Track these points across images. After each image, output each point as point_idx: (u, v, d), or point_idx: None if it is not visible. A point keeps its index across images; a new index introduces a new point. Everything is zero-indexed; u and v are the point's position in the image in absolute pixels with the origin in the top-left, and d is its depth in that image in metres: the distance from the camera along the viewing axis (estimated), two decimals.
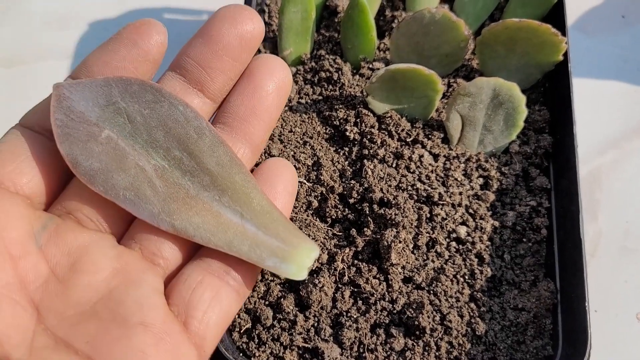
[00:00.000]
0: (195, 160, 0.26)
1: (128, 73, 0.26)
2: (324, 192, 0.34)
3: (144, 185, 0.25)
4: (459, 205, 0.33)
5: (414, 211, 0.32)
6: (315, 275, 0.31)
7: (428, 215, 0.33)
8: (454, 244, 0.32)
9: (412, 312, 0.30)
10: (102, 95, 0.26)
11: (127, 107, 0.26)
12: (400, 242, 0.31)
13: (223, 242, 0.26)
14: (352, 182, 0.34)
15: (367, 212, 0.33)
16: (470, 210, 0.33)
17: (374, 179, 0.33)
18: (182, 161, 0.26)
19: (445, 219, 0.33)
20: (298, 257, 0.26)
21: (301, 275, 0.26)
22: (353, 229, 0.33)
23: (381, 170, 0.34)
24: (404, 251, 0.31)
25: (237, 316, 0.31)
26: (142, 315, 0.23)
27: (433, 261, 0.32)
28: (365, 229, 0.32)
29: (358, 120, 0.35)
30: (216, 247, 0.26)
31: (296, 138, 0.35)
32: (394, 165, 0.34)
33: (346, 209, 0.33)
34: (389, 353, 0.30)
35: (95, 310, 0.23)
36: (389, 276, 0.31)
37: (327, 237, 0.33)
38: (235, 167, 0.26)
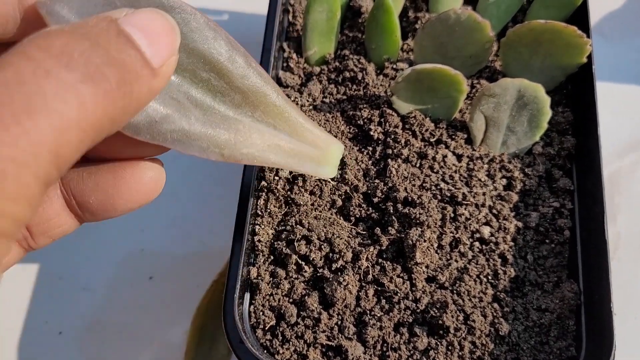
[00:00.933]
0: (224, 80, 0.25)
1: None
2: (348, 191, 0.34)
3: (188, 121, 0.24)
4: (483, 205, 0.33)
5: (438, 211, 0.32)
6: (339, 273, 0.32)
7: (452, 215, 0.33)
8: (477, 244, 0.33)
9: (436, 311, 0.30)
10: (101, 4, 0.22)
11: None
12: (425, 241, 0.31)
13: (265, 156, 0.26)
14: (377, 181, 0.34)
15: (392, 211, 0.33)
16: (494, 211, 0.33)
17: (398, 178, 0.34)
18: (210, 82, 0.25)
19: (469, 219, 0.33)
20: (330, 158, 0.29)
21: (333, 173, 0.30)
22: (377, 228, 0.33)
23: (405, 170, 0.34)
24: (429, 250, 0.32)
25: (261, 313, 0.31)
26: None
27: (457, 261, 0.32)
28: (389, 228, 0.32)
29: (382, 119, 0.35)
30: (260, 164, 0.27)
31: None
32: (417, 165, 0.34)
33: (370, 208, 0.34)
34: (412, 352, 0.30)
35: None
36: (412, 275, 0.31)
37: (351, 236, 0.33)
38: (260, 78, 0.26)
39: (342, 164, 0.34)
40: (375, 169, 0.35)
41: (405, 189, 0.33)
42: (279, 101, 0.27)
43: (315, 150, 0.28)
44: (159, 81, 0.19)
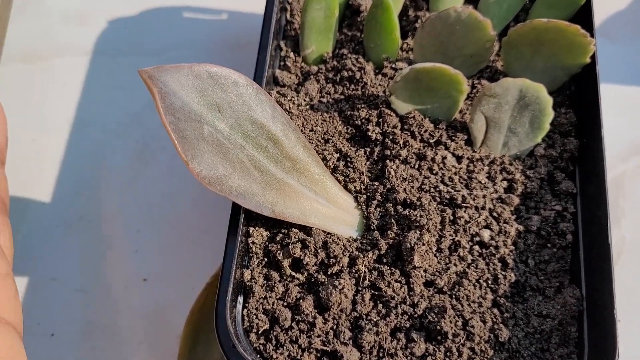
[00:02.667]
0: (279, 148, 0.30)
1: None
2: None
3: (249, 179, 0.29)
4: (483, 208, 0.32)
5: (437, 213, 0.32)
6: (335, 277, 0.31)
7: (451, 217, 0.32)
8: (477, 247, 0.32)
9: (434, 316, 0.30)
10: (193, 87, 0.28)
11: (216, 97, 0.28)
12: (423, 244, 0.30)
13: (307, 218, 0.31)
14: (375, 183, 0.33)
15: (392, 212, 0.32)
16: (494, 214, 0.33)
17: (397, 179, 0.33)
18: (267, 149, 0.30)
19: (469, 222, 0.32)
20: (359, 221, 0.33)
21: (359, 233, 0.32)
22: (376, 232, 0.32)
23: (404, 171, 0.33)
24: (427, 254, 0.31)
25: (254, 316, 0.30)
26: None
27: (456, 265, 0.31)
28: (388, 231, 0.32)
29: (380, 120, 0.35)
30: (303, 223, 0.31)
31: (317, 137, 0.35)
32: (416, 166, 0.34)
33: (369, 208, 0.33)
34: (409, 358, 0.29)
35: None
36: (410, 279, 0.31)
37: (349, 240, 0.32)
38: (307, 151, 0.31)
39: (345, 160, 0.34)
40: (373, 170, 0.34)
41: (404, 190, 0.32)
42: (320, 171, 0.32)
43: (348, 215, 0.32)
44: None
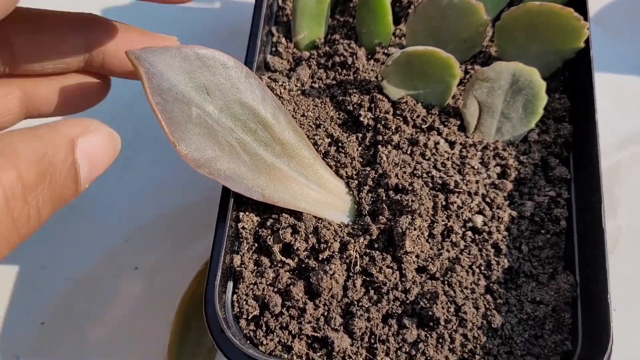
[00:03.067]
0: (269, 131, 0.30)
1: None
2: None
3: (238, 163, 0.29)
4: (476, 193, 0.32)
5: (430, 199, 0.31)
6: (326, 262, 0.30)
7: (444, 203, 0.32)
8: (469, 233, 0.31)
9: (426, 302, 0.29)
10: (181, 68, 0.27)
11: (204, 79, 0.28)
12: (415, 229, 0.30)
13: (298, 202, 0.30)
14: (367, 168, 0.33)
15: (384, 197, 0.32)
16: (487, 199, 0.32)
17: (388, 164, 0.32)
18: (257, 132, 0.29)
19: (461, 207, 0.32)
20: (350, 207, 0.32)
21: (351, 219, 0.32)
22: (367, 217, 0.32)
23: (396, 157, 0.33)
24: (419, 239, 0.30)
25: (244, 302, 0.30)
26: None
27: (448, 251, 0.31)
28: (379, 217, 0.31)
29: (372, 105, 0.34)
30: (294, 208, 0.30)
31: (309, 122, 0.35)
32: (408, 151, 0.33)
33: (360, 194, 0.32)
34: (401, 344, 0.29)
35: None
36: (402, 265, 0.30)
37: (340, 225, 0.32)
38: (298, 135, 0.31)
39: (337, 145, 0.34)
40: (365, 155, 0.34)
41: (397, 175, 0.32)
42: (311, 155, 0.31)
43: (339, 200, 0.32)
44: (77, 194, 0.22)
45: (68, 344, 0.38)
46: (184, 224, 0.41)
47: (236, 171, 0.29)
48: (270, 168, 0.30)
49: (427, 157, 0.33)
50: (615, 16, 0.48)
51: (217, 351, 0.36)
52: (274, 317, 0.30)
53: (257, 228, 0.32)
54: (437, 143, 0.33)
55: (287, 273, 0.31)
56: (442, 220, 0.31)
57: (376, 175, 0.32)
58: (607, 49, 0.47)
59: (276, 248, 0.31)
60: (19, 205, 0.19)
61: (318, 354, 0.29)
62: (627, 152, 0.43)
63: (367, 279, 0.30)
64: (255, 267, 0.31)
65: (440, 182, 0.32)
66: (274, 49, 0.39)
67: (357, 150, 0.34)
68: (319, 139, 0.33)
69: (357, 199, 0.32)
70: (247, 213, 0.32)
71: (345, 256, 0.30)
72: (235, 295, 0.30)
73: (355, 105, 0.35)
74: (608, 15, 0.48)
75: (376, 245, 0.31)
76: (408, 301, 0.30)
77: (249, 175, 0.29)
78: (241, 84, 0.29)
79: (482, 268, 0.31)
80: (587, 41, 0.33)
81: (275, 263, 0.31)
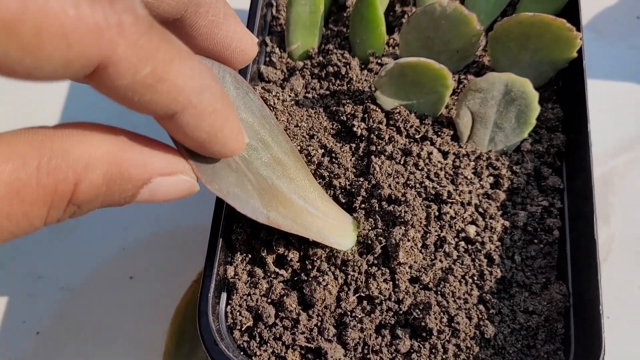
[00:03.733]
0: (269, 151, 0.28)
1: None
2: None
3: (245, 180, 0.27)
4: (469, 204, 0.32)
5: (422, 209, 0.31)
6: (319, 273, 0.30)
7: (437, 213, 0.32)
8: (462, 243, 0.31)
9: (419, 313, 0.29)
10: None
11: None
12: (408, 240, 0.30)
13: (300, 227, 0.29)
14: (360, 179, 0.33)
15: (376, 208, 0.32)
16: (480, 210, 0.32)
17: (382, 175, 0.33)
18: (258, 151, 0.28)
19: (454, 217, 0.32)
20: (350, 233, 0.31)
21: (352, 245, 0.31)
22: (365, 244, 0.32)
23: (389, 167, 0.33)
24: (412, 250, 0.30)
25: (238, 313, 0.30)
26: None
27: (441, 261, 0.31)
28: (374, 229, 0.31)
29: (366, 115, 0.35)
30: (296, 233, 0.29)
31: (302, 133, 0.35)
32: (402, 162, 0.33)
33: (353, 205, 0.33)
34: (394, 355, 0.29)
35: None
36: (395, 276, 0.30)
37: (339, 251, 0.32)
38: (295, 156, 0.30)
39: (330, 156, 0.34)
40: (358, 166, 0.34)
41: (389, 185, 0.32)
42: (309, 179, 0.30)
43: (340, 225, 0.31)
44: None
45: (64, 353, 0.38)
46: (180, 233, 0.41)
47: (244, 189, 0.27)
48: (273, 190, 0.28)
49: (420, 168, 0.33)
50: (610, 22, 0.48)
51: None
52: (267, 328, 0.30)
53: (251, 239, 0.32)
54: (430, 153, 0.33)
55: (281, 284, 0.31)
56: (435, 231, 0.31)
57: (369, 186, 0.32)
58: (601, 55, 0.47)
59: (270, 259, 0.31)
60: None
61: None
62: (621, 159, 0.43)
63: (361, 290, 0.30)
64: (249, 278, 0.31)
65: (434, 192, 0.32)
66: (267, 59, 0.39)
67: (351, 160, 0.34)
68: (313, 150, 0.34)
69: (357, 223, 0.32)
70: (240, 224, 0.32)
71: (341, 271, 0.31)
72: (229, 306, 0.31)
73: (348, 116, 0.35)
74: (603, 21, 0.48)
75: (372, 260, 0.31)
76: (401, 312, 0.30)
77: (255, 196, 0.27)
78: (241, 100, 0.28)
79: (475, 278, 0.31)
80: (580, 51, 0.34)
81: (268, 274, 0.31)
